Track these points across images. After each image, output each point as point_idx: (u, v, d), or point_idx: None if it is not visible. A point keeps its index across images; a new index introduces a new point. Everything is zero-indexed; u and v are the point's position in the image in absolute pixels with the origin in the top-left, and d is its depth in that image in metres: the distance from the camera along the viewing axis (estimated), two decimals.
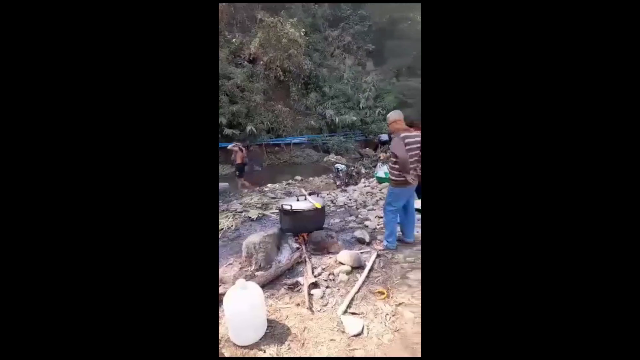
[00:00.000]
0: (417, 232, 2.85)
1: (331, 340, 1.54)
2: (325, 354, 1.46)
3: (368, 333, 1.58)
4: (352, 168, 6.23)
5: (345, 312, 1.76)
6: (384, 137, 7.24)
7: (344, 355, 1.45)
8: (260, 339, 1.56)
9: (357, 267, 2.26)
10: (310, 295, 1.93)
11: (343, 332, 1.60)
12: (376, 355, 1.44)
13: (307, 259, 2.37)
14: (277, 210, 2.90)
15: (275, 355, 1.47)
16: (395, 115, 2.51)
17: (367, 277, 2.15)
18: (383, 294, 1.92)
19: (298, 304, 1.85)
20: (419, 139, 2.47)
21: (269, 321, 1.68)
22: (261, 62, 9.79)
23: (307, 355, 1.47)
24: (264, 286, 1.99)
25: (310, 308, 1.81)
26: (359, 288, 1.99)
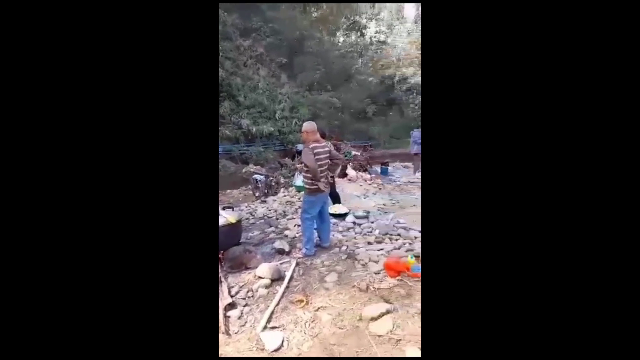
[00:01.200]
0: (333, 235, 3.02)
1: None
2: None
3: (288, 345, 1.57)
4: (271, 178, 6.17)
5: (265, 327, 1.70)
6: (301, 147, 7.46)
7: None
8: None
9: (277, 278, 2.23)
10: (226, 317, 1.79)
11: (262, 349, 1.54)
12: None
13: (222, 279, 2.21)
14: None
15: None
16: (306, 126, 2.62)
17: (287, 287, 2.14)
18: (302, 301, 1.94)
19: None
20: (328, 148, 2.65)
21: None
22: None
23: None
24: None
25: (227, 332, 1.68)
26: (279, 300, 1.97)
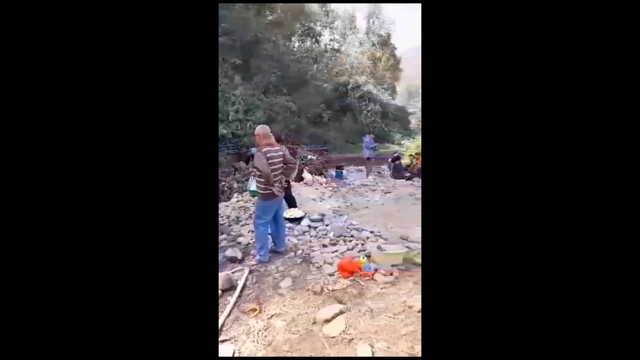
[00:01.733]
0: (288, 239, 3.00)
1: None
2: None
3: (240, 356, 1.50)
4: (224, 183, 5.89)
5: None
6: (255, 150, 7.28)
7: None
8: None
9: (229, 288, 2.13)
10: None
11: None
12: None
13: None
14: None
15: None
16: (258, 130, 2.58)
17: (239, 296, 2.05)
18: (255, 310, 1.88)
19: None
20: (282, 153, 2.64)
21: None
22: None
23: None
24: None
25: None
26: (230, 311, 1.88)
